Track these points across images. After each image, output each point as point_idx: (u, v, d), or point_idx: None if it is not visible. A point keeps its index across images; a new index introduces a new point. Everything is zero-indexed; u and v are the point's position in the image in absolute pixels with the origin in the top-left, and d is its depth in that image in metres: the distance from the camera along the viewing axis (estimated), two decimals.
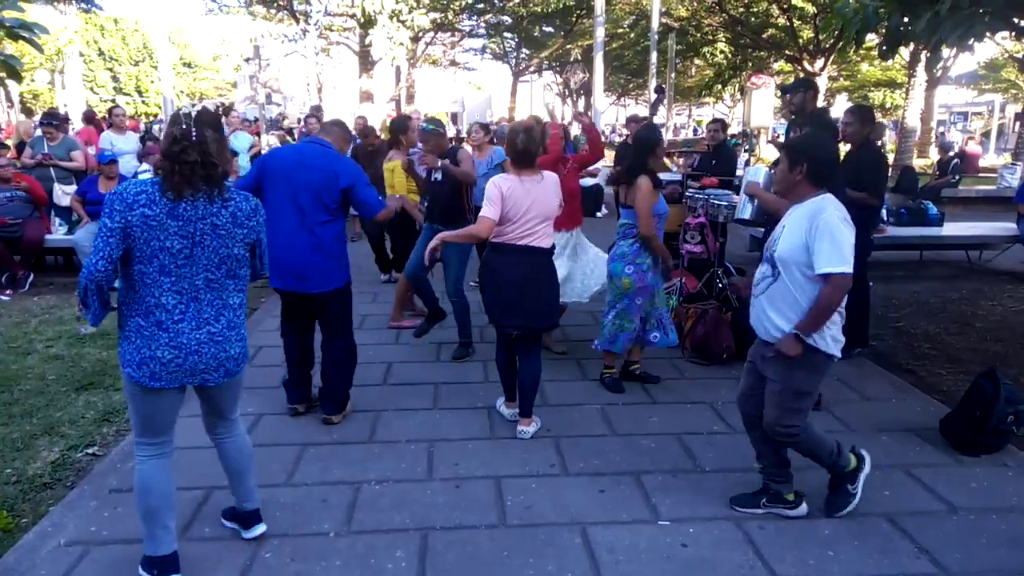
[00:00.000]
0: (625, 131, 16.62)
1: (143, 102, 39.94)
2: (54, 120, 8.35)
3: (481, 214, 3.72)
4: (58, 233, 7.52)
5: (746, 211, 4.24)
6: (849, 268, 2.71)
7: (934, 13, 4.37)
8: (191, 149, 2.33)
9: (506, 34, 28.79)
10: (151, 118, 33.43)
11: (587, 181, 8.88)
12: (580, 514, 3.10)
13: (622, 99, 44.51)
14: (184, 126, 2.36)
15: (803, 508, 3.11)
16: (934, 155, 22.02)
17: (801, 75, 18.56)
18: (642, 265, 4.32)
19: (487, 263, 3.89)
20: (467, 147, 6.31)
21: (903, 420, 4.12)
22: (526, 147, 3.74)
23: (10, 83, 5.27)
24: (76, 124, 14.44)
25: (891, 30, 5.13)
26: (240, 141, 10.26)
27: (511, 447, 3.76)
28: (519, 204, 3.69)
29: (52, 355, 5.12)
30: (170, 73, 14.73)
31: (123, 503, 3.16)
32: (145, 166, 8.00)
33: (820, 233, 2.72)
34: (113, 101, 38.29)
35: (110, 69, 39.94)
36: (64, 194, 7.86)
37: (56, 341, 5.38)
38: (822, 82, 18.71)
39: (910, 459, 3.64)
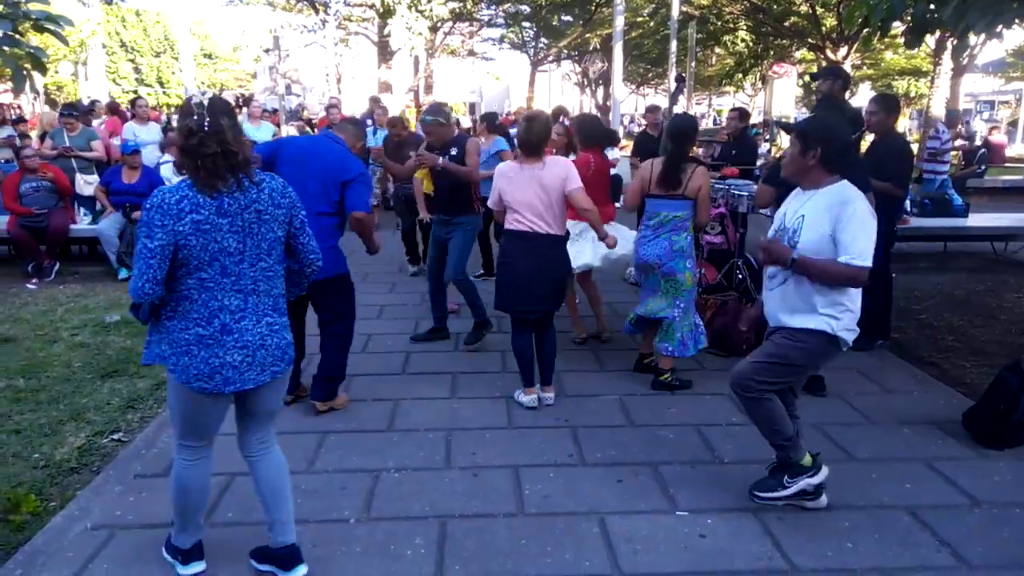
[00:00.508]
0: (644, 121, 16.52)
1: (164, 93, 40.27)
2: (74, 111, 8.47)
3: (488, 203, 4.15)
4: (82, 223, 7.63)
5: None
6: (868, 263, 2.68)
7: (961, 1, 4.29)
8: (209, 140, 2.23)
9: (525, 23, 28.64)
10: (172, 109, 33.70)
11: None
12: (598, 504, 3.11)
13: (641, 88, 44.14)
14: (197, 116, 2.26)
15: (824, 472, 3.02)
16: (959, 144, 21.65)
17: (824, 63, 18.30)
18: (694, 258, 4.43)
19: (501, 248, 4.11)
20: (481, 139, 6.34)
21: (925, 413, 4.08)
22: (526, 136, 3.96)
23: (35, 75, 5.34)
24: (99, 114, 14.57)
25: (917, 18, 5.05)
26: (262, 132, 10.30)
27: (529, 436, 3.77)
28: (516, 190, 3.91)
29: (78, 343, 5.20)
30: (191, 65, 14.88)
31: (147, 488, 3.23)
32: (167, 156, 8.09)
33: (849, 223, 2.67)
34: (135, 92, 38.67)
35: (132, 60, 40.30)
36: (86, 183, 7.98)
37: (81, 329, 5.47)
38: (846, 70, 18.43)
39: (932, 452, 3.61)
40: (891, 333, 5.27)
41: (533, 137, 3.94)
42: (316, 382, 4.03)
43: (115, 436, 3.81)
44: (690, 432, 3.83)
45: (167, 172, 7.76)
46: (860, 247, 2.66)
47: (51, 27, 4.17)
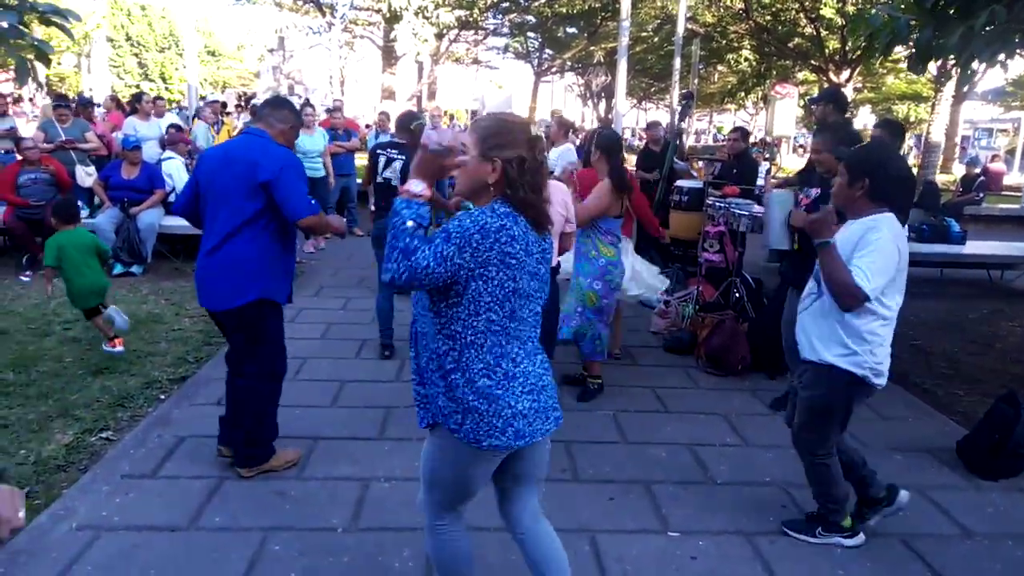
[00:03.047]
0: (644, 136, 16.56)
1: (167, 88, 40.28)
2: (65, 102, 8.45)
3: None
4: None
5: (784, 241, 4.11)
6: (869, 291, 2.55)
7: (967, 28, 4.32)
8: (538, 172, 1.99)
9: (529, 34, 28.76)
10: (173, 105, 33.69)
11: None
12: (589, 521, 3.08)
13: (643, 103, 44.35)
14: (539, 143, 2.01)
15: (860, 538, 3.01)
16: (957, 171, 21.81)
17: (826, 85, 18.41)
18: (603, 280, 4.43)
19: None
20: None
21: (919, 440, 4.07)
22: None
23: (39, 67, 5.32)
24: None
25: (922, 44, 5.07)
26: (315, 141, 8.50)
27: None
28: None
29: (70, 337, 5.16)
30: (195, 62, 14.87)
31: (135, 489, 3.19)
32: (168, 153, 8.06)
33: (868, 247, 2.59)
34: (138, 87, 38.71)
35: (136, 55, 40.31)
36: (87, 175, 7.94)
37: (74, 324, 5.43)
38: (847, 93, 18.54)
39: (926, 480, 3.59)
40: None
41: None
42: (235, 443, 3.38)
43: (104, 434, 3.76)
44: (683, 451, 3.80)
45: (170, 168, 7.72)
46: (869, 268, 2.56)
47: (58, 20, 4.15)
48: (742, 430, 4.09)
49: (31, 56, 4.30)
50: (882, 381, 2.79)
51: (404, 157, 4.76)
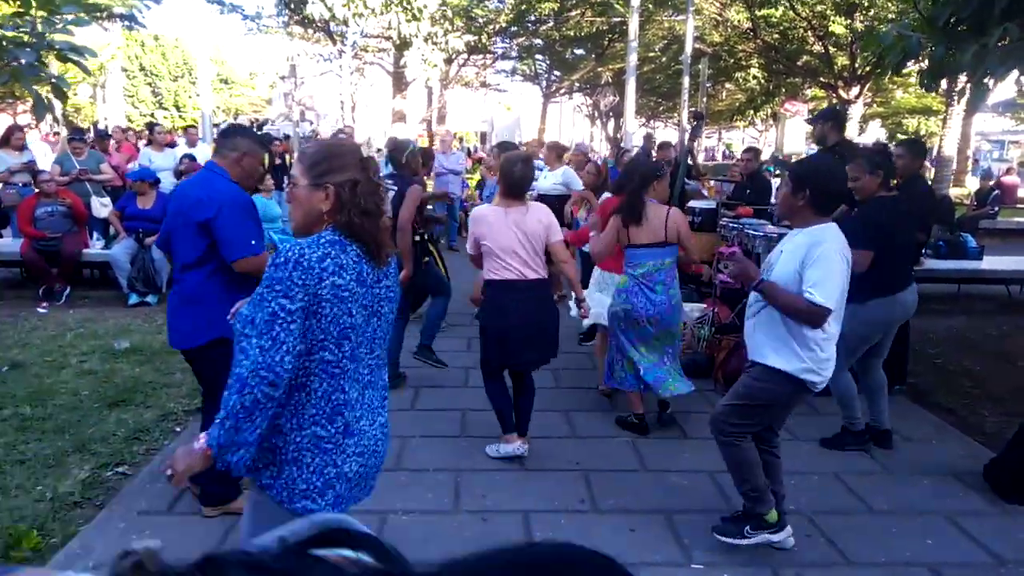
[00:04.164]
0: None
1: (180, 116, 40.85)
2: (80, 136, 8.59)
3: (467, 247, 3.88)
4: (95, 247, 7.65)
5: None
6: (831, 305, 2.68)
7: (981, 46, 4.29)
8: (375, 195, 1.87)
9: (537, 56, 28.99)
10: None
11: None
12: (611, 554, 3.02)
13: (652, 121, 44.49)
14: (367, 164, 1.89)
15: (787, 531, 3.02)
16: (971, 184, 21.65)
17: (835, 101, 18.41)
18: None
19: (485, 302, 3.83)
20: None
21: (945, 463, 3.99)
22: (522, 177, 3.72)
23: (55, 103, 5.38)
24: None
25: (934, 61, 5.05)
26: None
27: (539, 479, 3.70)
28: (499, 236, 3.65)
29: (85, 370, 5.17)
30: (209, 91, 15.07)
31: (151, 526, 3.17)
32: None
33: (817, 262, 2.71)
34: (152, 115, 39.29)
35: (150, 84, 40.96)
36: (102, 206, 8.04)
37: (90, 356, 5.45)
38: (857, 109, 18.54)
39: (953, 506, 3.51)
40: (907, 378, 5.19)
41: (520, 179, 3.71)
42: (200, 480, 3.10)
43: (120, 469, 3.76)
44: (704, 479, 3.74)
45: None
46: (820, 283, 2.68)
47: (75, 58, 4.21)
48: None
49: (49, 92, 4.36)
50: (821, 383, 2.87)
51: (396, 190, 4.66)
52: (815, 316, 2.70)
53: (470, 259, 3.94)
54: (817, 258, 2.70)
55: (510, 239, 3.65)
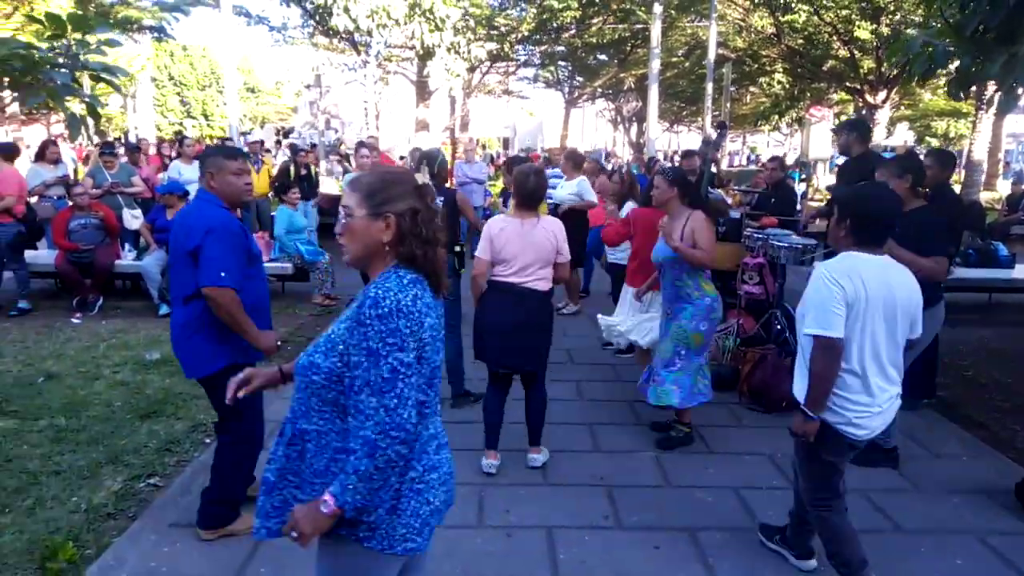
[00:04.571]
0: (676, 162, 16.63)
1: (208, 125, 41.51)
2: (112, 149, 8.78)
3: (476, 254, 3.86)
4: (127, 259, 7.81)
5: None
6: (824, 331, 2.51)
7: (1011, 56, 4.24)
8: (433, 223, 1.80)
9: (560, 63, 29.04)
10: (216, 141, 34.69)
11: None
12: (635, 572, 3.03)
13: (675, 126, 44.30)
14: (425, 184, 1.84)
15: (811, 563, 3.03)
16: (1002, 187, 21.25)
17: (861, 106, 18.20)
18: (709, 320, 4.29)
19: (482, 302, 3.90)
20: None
21: (975, 480, 3.93)
22: (536, 188, 3.78)
23: (89, 121, 5.52)
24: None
25: (962, 71, 4.99)
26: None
27: (563, 494, 3.70)
28: (510, 245, 3.74)
29: (118, 381, 5.28)
30: (236, 100, 15.31)
31: (182, 538, 3.23)
32: None
33: (808, 290, 2.63)
34: (180, 124, 39.97)
35: (179, 93, 41.67)
36: (133, 218, 8.21)
37: (122, 367, 5.56)
38: (884, 114, 18.31)
39: (984, 525, 3.46)
40: (936, 391, 5.11)
41: (534, 191, 3.79)
42: (202, 501, 3.29)
43: (151, 480, 3.83)
44: (729, 495, 3.73)
45: None
46: (809, 314, 2.57)
47: (107, 77, 4.31)
48: (788, 471, 3.97)
49: (84, 112, 4.47)
50: (856, 432, 2.63)
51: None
52: (821, 351, 2.54)
53: (475, 264, 3.90)
54: (808, 291, 2.63)
55: (520, 247, 3.74)
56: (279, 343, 2.93)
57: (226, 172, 3.06)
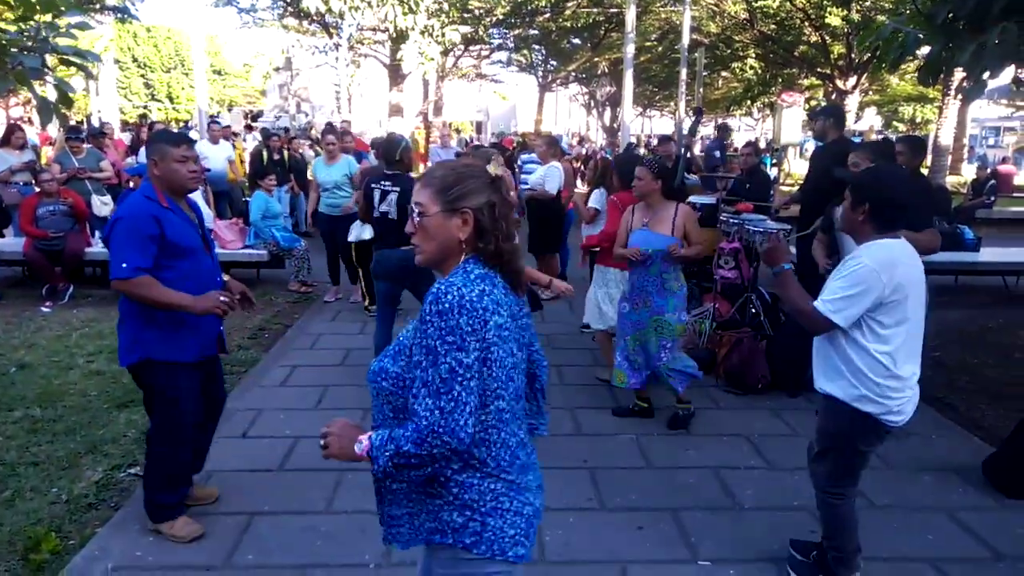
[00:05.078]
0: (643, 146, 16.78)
1: (174, 108, 40.66)
2: (78, 134, 8.58)
3: None
4: (97, 245, 7.66)
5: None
6: (833, 318, 2.51)
7: (979, 44, 4.33)
8: (508, 216, 1.71)
9: (534, 46, 28.92)
10: (182, 124, 34.02)
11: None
12: (619, 552, 3.09)
13: (648, 110, 44.43)
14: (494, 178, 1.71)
15: None
16: (967, 172, 21.73)
17: (831, 91, 18.44)
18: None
19: None
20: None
21: (944, 458, 4.06)
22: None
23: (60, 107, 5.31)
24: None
25: (932, 59, 5.09)
26: (330, 172, 7.06)
27: (547, 477, 3.65)
28: None
29: (93, 370, 5.21)
30: (204, 83, 15.01)
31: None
32: None
33: (840, 270, 2.58)
34: (145, 108, 39.09)
35: (143, 76, 40.71)
36: (103, 204, 8.05)
37: (96, 356, 5.48)
38: (853, 99, 18.56)
39: (953, 501, 3.59)
40: None
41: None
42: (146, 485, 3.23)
43: (132, 470, 3.80)
44: (709, 475, 3.81)
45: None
46: (829, 291, 2.55)
47: (78, 61, 4.22)
48: (766, 452, 4.09)
49: (55, 97, 4.37)
50: (895, 419, 2.63)
51: (399, 189, 4.61)
52: (810, 322, 2.58)
53: None
54: (843, 269, 2.56)
55: None
56: (222, 299, 2.85)
57: (169, 159, 2.94)
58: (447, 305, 1.53)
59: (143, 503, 3.20)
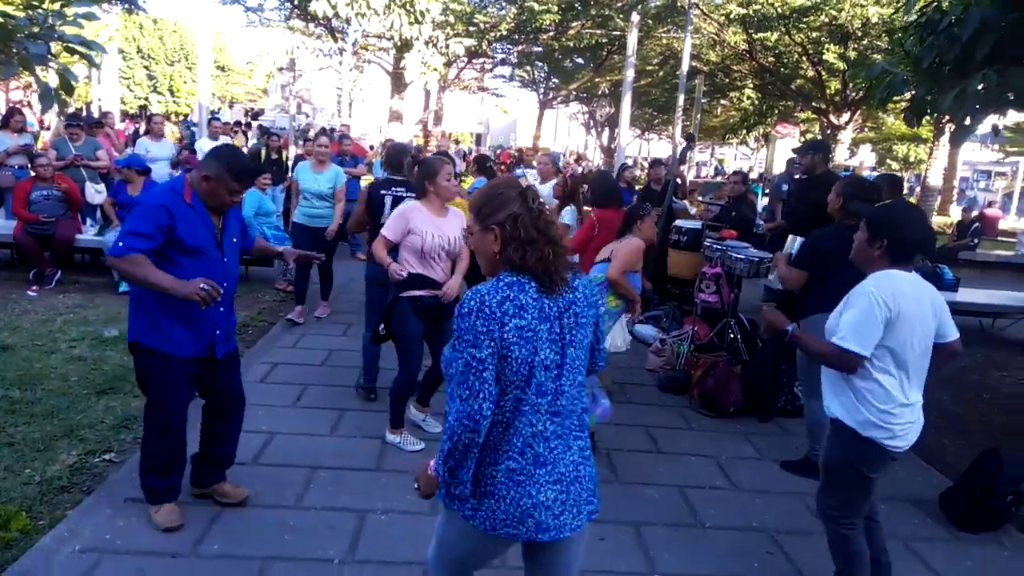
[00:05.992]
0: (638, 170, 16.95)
1: (175, 102, 40.70)
2: (78, 122, 8.62)
3: None
4: (88, 233, 7.70)
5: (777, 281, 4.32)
6: (856, 348, 2.56)
7: (961, 90, 4.47)
8: (537, 223, 1.90)
9: (537, 63, 29.20)
10: (182, 118, 34.04)
11: None
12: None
13: (646, 133, 44.81)
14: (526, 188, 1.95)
15: None
16: (955, 213, 22.04)
17: (826, 125, 18.71)
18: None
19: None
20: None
21: (904, 490, 4.15)
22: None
23: (61, 94, 5.36)
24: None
25: (916, 101, 5.25)
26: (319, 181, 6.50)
27: None
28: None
29: (75, 356, 5.24)
30: (208, 79, 15.08)
31: (138, 513, 3.25)
32: (179, 173, 8.20)
33: (853, 302, 2.62)
34: (146, 98, 39.09)
35: (146, 67, 40.75)
36: (96, 192, 8.09)
37: (79, 342, 5.51)
38: (847, 134, 18.84)
39: (908, 531, 3.68)
40: None
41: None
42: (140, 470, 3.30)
43: (107, 456, 3.84)
44: (674, 493, 3.89)
45: None
46: (845, 327, 2.59)
47: (83, 51, 4.30)
48: (732, 474, 4.18)
49: (57, 84, 4.43)
50: (898, 444, 2.69)
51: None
52: (844, 361, 2.60)
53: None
54: (856, 298, 2.61)
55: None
56: (202, 286, 2.85)
57: (223, 185, 3.00)
58: (466, 309, 1.81)
59: (142, 484, 3.23)
